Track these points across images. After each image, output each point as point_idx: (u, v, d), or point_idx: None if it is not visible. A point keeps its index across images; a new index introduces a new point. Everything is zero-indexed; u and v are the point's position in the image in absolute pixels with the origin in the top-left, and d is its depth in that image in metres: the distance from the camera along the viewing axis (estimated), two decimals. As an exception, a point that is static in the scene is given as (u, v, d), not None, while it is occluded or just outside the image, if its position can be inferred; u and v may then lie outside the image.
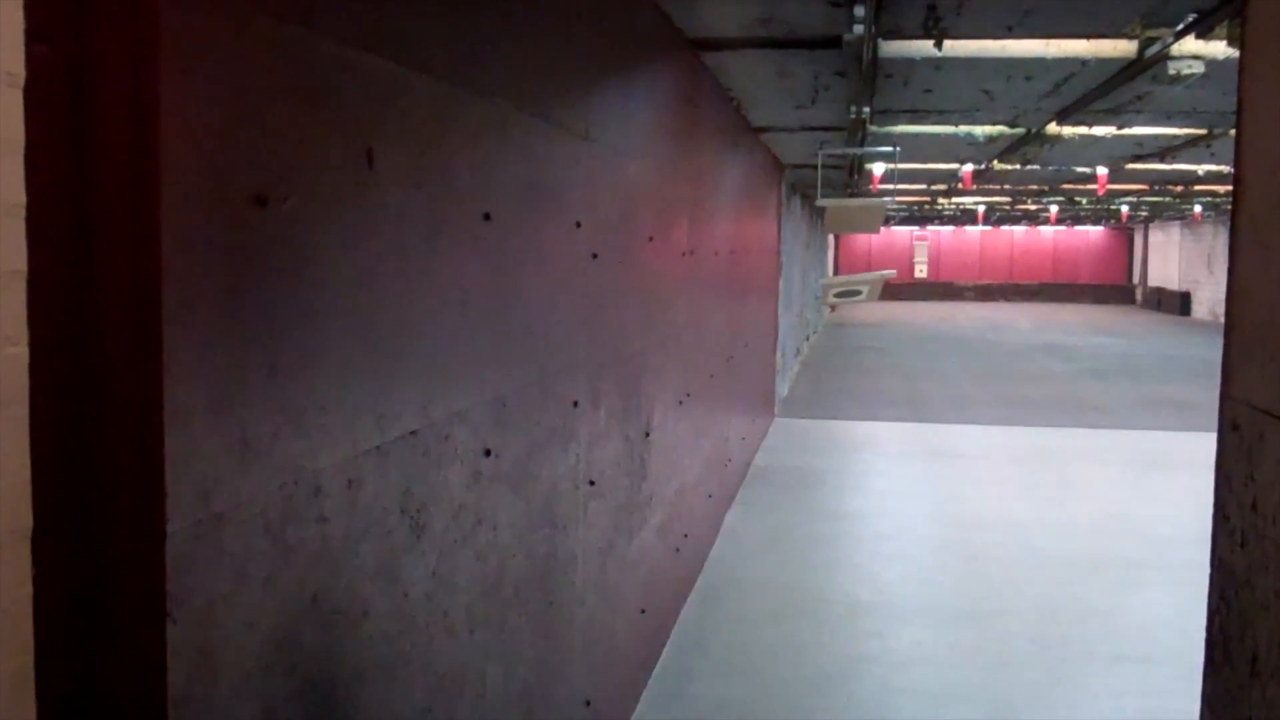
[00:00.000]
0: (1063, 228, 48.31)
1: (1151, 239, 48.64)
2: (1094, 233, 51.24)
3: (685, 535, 7.50)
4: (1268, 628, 1.63)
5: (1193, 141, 11.87)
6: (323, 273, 2.41)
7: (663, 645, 6.72)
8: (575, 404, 4.51)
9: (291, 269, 2.29)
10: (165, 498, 1.90)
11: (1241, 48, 1.96)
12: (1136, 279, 50.55)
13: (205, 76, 1.99)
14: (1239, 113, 1.87)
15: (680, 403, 7.20)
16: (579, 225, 4.44)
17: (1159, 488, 11.77)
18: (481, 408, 3.39)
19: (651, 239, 5.75)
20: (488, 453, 3.44)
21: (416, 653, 2.94)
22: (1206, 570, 2.11)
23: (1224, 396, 1.85)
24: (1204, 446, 1.87)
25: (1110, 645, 7.03)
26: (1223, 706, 1.82)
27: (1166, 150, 12.87)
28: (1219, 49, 6.01)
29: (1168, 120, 10.34)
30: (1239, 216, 1.85)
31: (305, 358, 2.34)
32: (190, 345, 1.96)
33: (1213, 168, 15.35)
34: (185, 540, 1.94)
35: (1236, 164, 1.89)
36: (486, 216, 3.37)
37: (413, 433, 2.87)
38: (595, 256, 4.70)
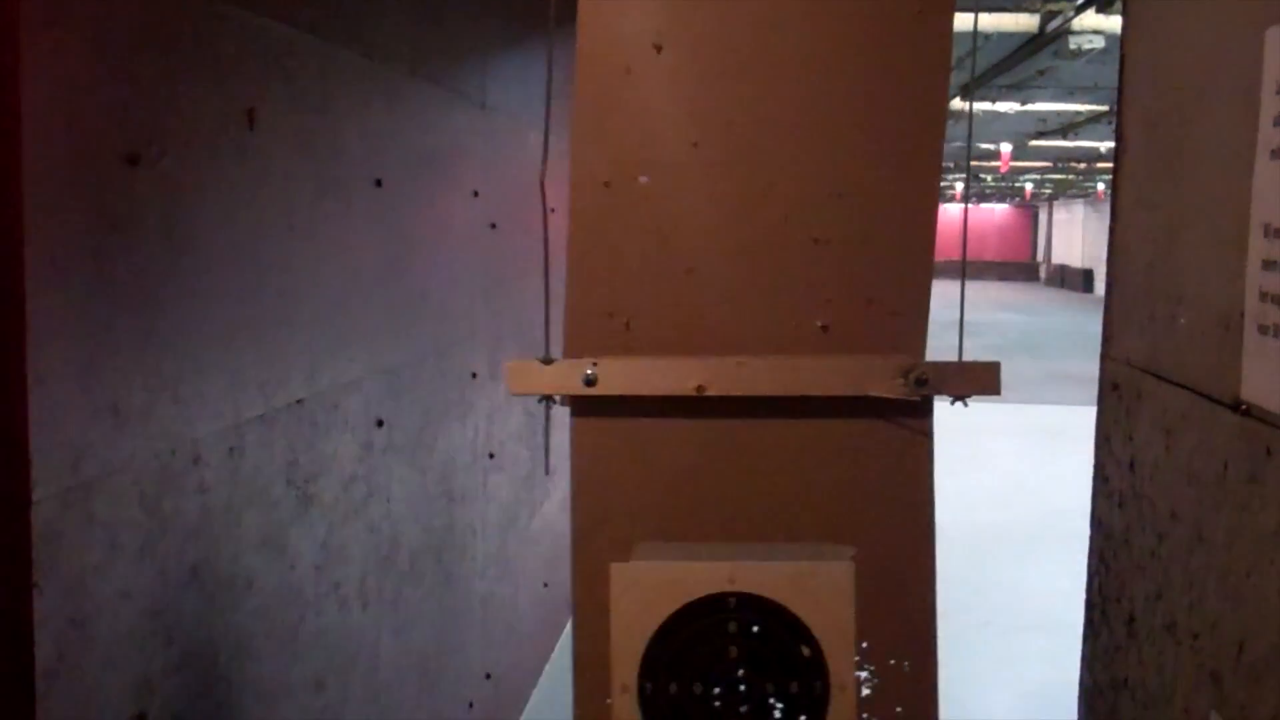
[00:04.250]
0: (969, 206, 48.86)
1: (1055, 217, 49.38)
2: (999, 210, 51.91)
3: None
4: (1144, 588, 1.64)
5: (1095, 118, 12.06)
6: (201, 236, 2.35)
7: (567, 619, 6.70)
8: (474, 375, 4.47)
9: (167, 231, 2.23)
10: (30, 465, 1.84)
11: (1125, 3, 1.98)
12: (1041, 257, 51.29)
13: (69, 26, 1.93)
14: (1121, 70, 1.88)
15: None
16: (476, 195, 4.39)
17: (1059, 460, 11.91)
18: (374, 378, 3.34)
19: (554, 210, 5.71)
20: (380, 424, 3.40)
21: (306, 625, 2.89)
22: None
23: (1104, 357, 1.86)
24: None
25: (1010, 615, 7.12)
26: (1101, 668, 1.84)
27: (1069, 127, 13.05)
28: (1118, 23, 6.08)
29: (1070, 96, 10.49)
30: (1120, 176, 1.87)
31: (182, 323, 2.28)
32: (56, 307, 1.90)
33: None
34: (53, 508, 1.89)
35: (1118, 122, 1.90)
36: (378, 183, 3.32)
37: (299, 401, 2.82)
38: (494, 226, 4.66)
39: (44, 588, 1.87)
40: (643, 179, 2.19)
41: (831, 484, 2.25)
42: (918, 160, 2.18)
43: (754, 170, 2.20)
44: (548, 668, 6.13)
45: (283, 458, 2.74)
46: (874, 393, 2.14)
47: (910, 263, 2.16)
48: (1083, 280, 42.82)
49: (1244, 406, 1.32)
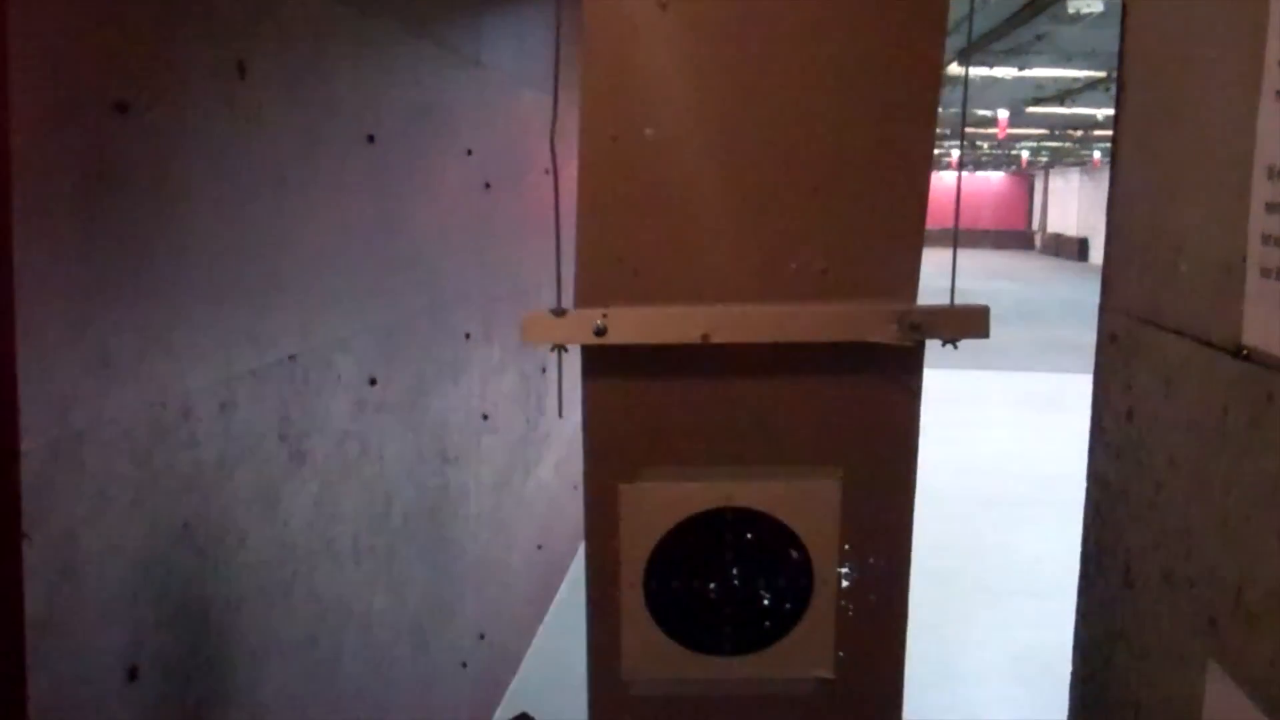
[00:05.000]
0: (964, 173, 48.73)
1: (1051, 185, 49.31)
2: (995, 179, 51.83)
3: (584, 473, 7.48)
4: (1141, 538, 1.63)
5: (1092, 85, 12.02)
6: (192, 187, 2.33)
7: (560, 581, 6.71)
8: (468, 336, 4.45)
9: (157, 181, 2.20)
10: (19, 414, 1.82)
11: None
12: (1036, 225, 51.24)
13: (56, -28, 1.90)
14: (1123, 15, 1.87)
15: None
16: (470, 153, 4.36)
17: (1052, 428, 11.94)
18: (366, 335, 3.33)
19: (548, 171, 5.67)
20: (373, 382, 3.38)
21: (299, 581, 2.88)
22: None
23: (1103, 309, 1.86)
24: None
25: (1001, 579, 7.16)
26: (1096, 619, 1.83)
27: (1066, 93, 13.01)
28: (1116, -13, 6.04)
29: (1068, 62, 10.45)
30: (1121, 124, 1.85)
31: (173, 274, 2.26)
32: (46, 256, 1.88)
33: (1112, 113, 15.54)
34: (42, 459, 1.87)
35: (1120, 69, 1.89)
36: (370, 139, 3.29)
37: (291, 357, 2.80)
38: (488, 186, 4.63)
39: (34, 538, 1.85)
40: (649, 132, 2.30)
41: (825, 419, 2.42)
42: (913, 113, 2.28)
43: (755, 122, 2.30)
44: (541, 629, 6.13)
45: (275, 414, 2.72)
46: (871, 338, 2.25)
47: (905, 212, 2.28)
48: (1078, 249, 42.77)
49: (1245, 351, 1.31)
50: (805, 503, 2.45)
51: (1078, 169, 43.72)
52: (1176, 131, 1.57)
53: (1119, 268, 1.80)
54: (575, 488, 7.10)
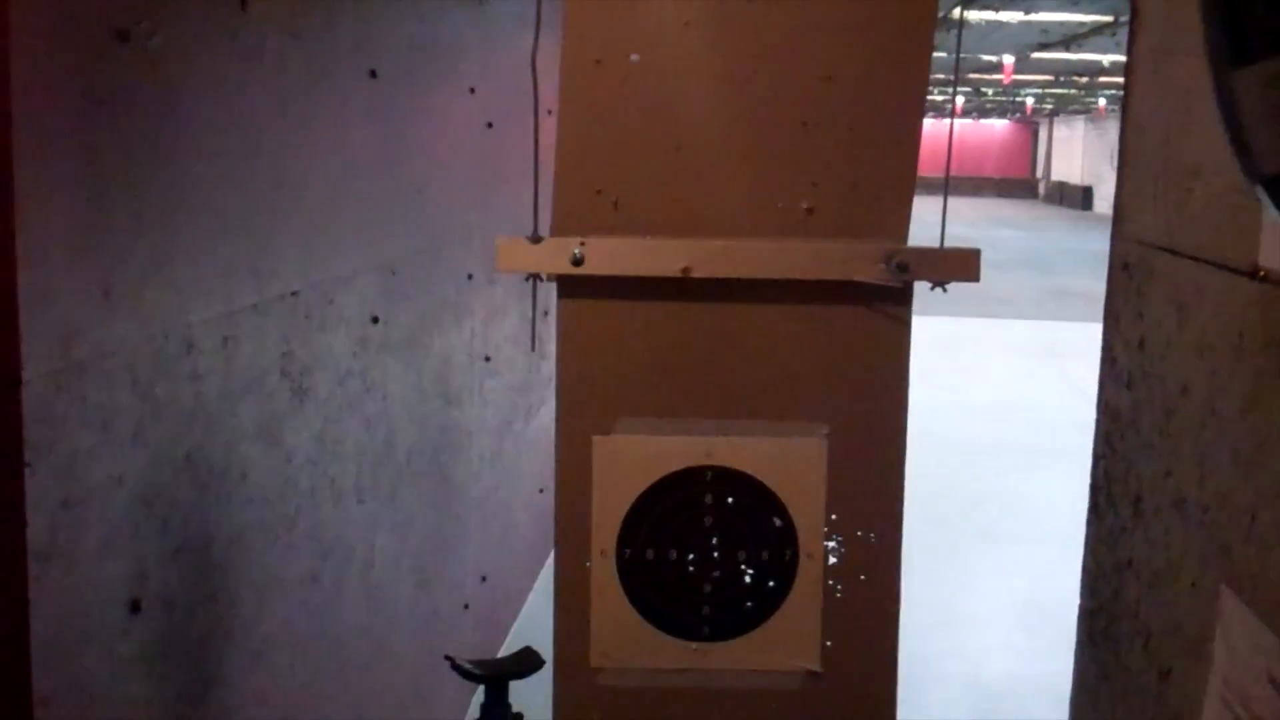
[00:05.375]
0: (968, 121, 48.51)
1: (1055, 133, 49.07)
2: (999, 126, 51.57)
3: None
4: (1152, 467, 1.62)
5: (1098, 29, 11.92)
6: (193, 118, 2.30)
7: (562, 525, 6.71)
8: (470, 277, 4.43)
9: (158, 110, 2.18)
10: (21, 343, 1.81)
11: None
12: (1040, 173, 51.05)
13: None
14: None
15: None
16: (473, 91, 4.33)
17: (1055, 376, 11.96)
18: (368, 273, 3.31)
19: (551, 112, 5.63)
20: (375, 320, 3.36)
21: (301, 518, 2.88)
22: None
23: (1115, 238, 1.84)
24: (1100, 337, 1.90)
25: (1004, 526, 7.18)
26: (1106, 551, 1.83)
27: (1072, 38, 12.91)
28: (1123, -72, 5.97)
29: (1074, 6, 10.36)
30: (1134, 53, 1.83)
31: (174, 205, 2.24)
32: (45, 183, 1.85)
33: (1118, 58, 15.44)
34: (44, 388, 1.86)
35: (1133, -4, 1.86)
36: (373, 74, 3.26)
37: (293, 293, 2.78)
38: (490, 125, 4.60)
39: (35, 468, 1.84)
40: (634, 57, 2.21)
41: (810, 365, 2.30)
42: (907, 47, 2.20)
43: (744, 51, 2.21)
44: (543, 573, 6.15)
45: (277, 349, 2.71)
46: (857, 277, 2.16)
47: (896, 149, 2.20)
48: (1082, 197, 42.62)
49: (1262, 273, 1.30)
50: (788, 462, 2.31)
51: (1082, 117, 43.49)
52: (1193, 52, 1.55)
53: (1132, 197, 1.78)
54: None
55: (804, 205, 2.22)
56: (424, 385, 3.91)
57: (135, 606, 2.14)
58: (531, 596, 5.79)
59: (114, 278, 2.04)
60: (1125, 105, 1.81)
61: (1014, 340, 13.94)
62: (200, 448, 2.37)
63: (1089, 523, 1.90)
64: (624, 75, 2.20)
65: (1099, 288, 1.91)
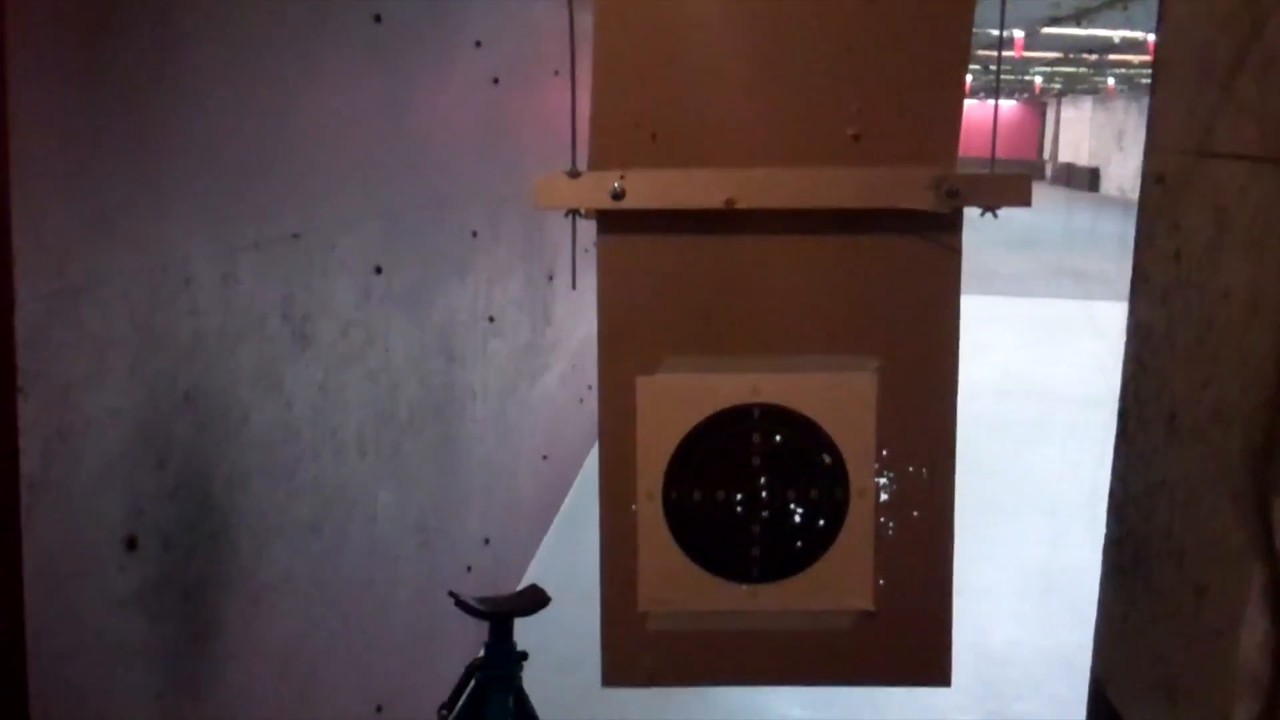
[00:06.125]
0: (975, 101, 48.29)
1: (1063, 115, 48.89)
2: (1007, 106, 51.40)
3: (590, 387, 7.42)
4: (1188, 380, 1.57)
5: (1110, 3, 11.81)
6: (193, 53, 2.25)
7: (565, 492, 6.68)
8: (474, 234, 4.37)
9: (157, 35, 2.12)
10: (15, 265, 1.75)
11: None
12: (1047, 154, 50.88)
13: None
14: None
15: (588, 250, 7.07)
16: (479, 45, 4.27)
17: (1061, 352, 11.94)
18: (371, 221, 3.25)
19: (558, 73, 5.56)
20: (379, 270, 3.31)
21: (302, 466, 2.83)
22: (1102, 430, 2.08)
23: (1149, 152, 1.78)
24: (1106, 314, 1.84)
25: (1011, 498, 7.17)
26: (1135, 475, 1.77)
27: (1082, 13, 12.80)
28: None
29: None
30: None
31: (172, 135, 2.19)
32: (41, 103, 1.80)
33: (1129, 34, 15.33)
34: (38, 312, 1.81)
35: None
36: (377, 18, 3.20)
37: (295, 235, 2.73)
38: (496, 81, 4.53)
39: (30, 393, 1.79)
40: None
41: (858, 297, 2.23)
42: None
43: None
44: (546, 539, 6.11)
45: (278, 291, 2.65)
46: (905, 204, 2.10)
47: (942, 72, 2.12)
48: (1089, 179, 42.46)
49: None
50: (838, 397, 2.25)
51: (1090, 97, 43.30)
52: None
53: (1167, 104, 1.72)
54: (581, 401, 7.06)
55: (850, 132, 2.14)
56: (427, 342, 3.85)
57: (132, 543, 2.09)
58: (534, 564, 5.74)
59: (110, 202, 1.99)
60: (1161, 10, 1.75)
61: (1017, 317, 13.90)
62: (199, 386, 2.32)
63: (1116, 449, 1.84)
64: (659, 2, 2.13)
65: (1106, 267, 1.86)
